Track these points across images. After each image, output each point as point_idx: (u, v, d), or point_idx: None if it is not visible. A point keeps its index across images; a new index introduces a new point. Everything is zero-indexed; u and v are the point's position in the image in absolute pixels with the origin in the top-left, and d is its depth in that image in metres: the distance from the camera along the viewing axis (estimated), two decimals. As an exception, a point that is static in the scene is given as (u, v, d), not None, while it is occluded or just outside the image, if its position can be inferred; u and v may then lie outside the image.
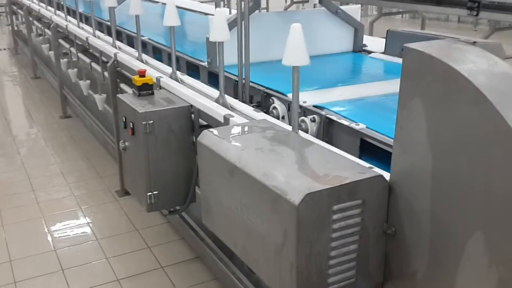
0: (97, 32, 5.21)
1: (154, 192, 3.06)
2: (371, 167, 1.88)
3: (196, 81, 3.51)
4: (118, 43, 4.64)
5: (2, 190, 4.82)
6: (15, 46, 10.98)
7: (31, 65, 8.99)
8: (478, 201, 1.41)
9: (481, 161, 1.37)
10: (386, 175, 1.74)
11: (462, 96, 1.39)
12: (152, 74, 3.57)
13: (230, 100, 2.96)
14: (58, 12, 6.82)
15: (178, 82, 3.41)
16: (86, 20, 6.03)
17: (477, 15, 2.30)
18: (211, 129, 2.15)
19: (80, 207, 4.49)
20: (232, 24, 3.79)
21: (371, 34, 9.31)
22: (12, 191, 4.80)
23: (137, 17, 3.86)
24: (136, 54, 4.09)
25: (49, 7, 7.21)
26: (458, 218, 1.48)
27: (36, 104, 7.67)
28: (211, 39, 2.82)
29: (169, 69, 3.67)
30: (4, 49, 11.82)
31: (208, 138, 2.08)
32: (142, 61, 3.99)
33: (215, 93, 3.07)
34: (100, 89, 5.25)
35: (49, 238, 4.00)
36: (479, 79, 1.36)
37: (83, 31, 5.43)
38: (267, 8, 12.11)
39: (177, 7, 6.62)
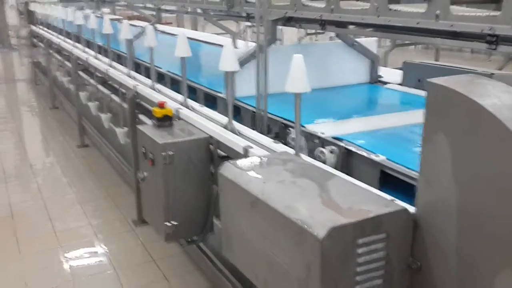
0: (116, 64, 5.32)
1: (173, 222, 3.07)
2: (393, 200, 1.87)
3: (214, 112, 3.51)
4: (158, 86, 4.44)
5: (20, 220, 4.86)
6: (35, 77, 11.21)
7: (50, 96, 9.15)
8: (506, 236, 1.40)
9: (508, 196, 1.37)
10: (409, 208, 1.74)
11: (488, 130, 1.39)
12: (171, 105, 3.62)
13: (248, 131, 2.99)
14: (77, 44, 6.96)
15: (236, 134, 3.04)
16: (106, 51, 6.15)
17: (495, 49, 2.31)
18: (232, 161, 2.17)
19: (97, 237, 4.50)
20: (249, 57, 3.87)
21: (385, 65, 9.36)
22: (30, 221, 4.83)
23: (182, 59, 3.58)
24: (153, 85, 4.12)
25: (73, 42, 7.35)
26: (485, 254, 1.46)
27: (54, 133, 7.78)
28: (287, 90, 2.42)
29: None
30: (27, 80, 12.07)
31: (230, 170, 2.10)
32: (187, 107, 3.70)
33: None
34: (106, 110, 5.26)
35: (67, 268, 4.01)
36: (504, 114, 1.37)
37: (104, 64, 5.53)
38: (281, 41, 12.28)
39: (193, 39, 6.78)
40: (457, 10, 2.58)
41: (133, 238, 4.44)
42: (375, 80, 4.42)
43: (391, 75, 4.51)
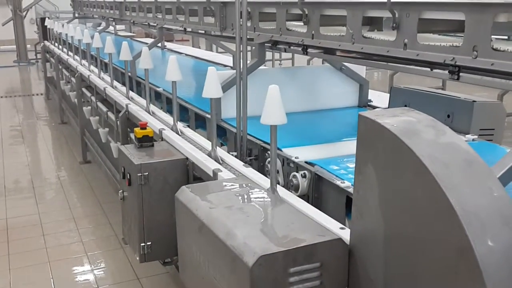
0: (115, 83, 5.43)
1: (148, 243, 3.11)
2: (342, 228, 1.88)
3: (197, 134, 3.58)
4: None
5: (14, 234, 4.94)
6: (47, 91, 11.45)
7: (59, 111, 9.34)
8: (425, 268, 1.40)
9: (425, 230, 1.38)
10: (346, 237, 1.74)
11: (407, 165, 1.41)
12: (155, 125, 3.69)
13: (221, 153, 3.03)
14: (83, 62, 7.11)
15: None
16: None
17: (458, 78, 2.33)
18: (188, 186, 2.21)
19: (86, 254, 4.55)
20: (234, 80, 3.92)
21: (391, 86, 9.34)
22: (23, 236, 4.92)
23: (173, 83, 3.57)
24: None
25: (76, 57, 7.52)
26: (407, 282, 1.47)
27: (59, 149, 7.92)
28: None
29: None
30: (40, 94, 12.32)
31: (185, 194, 2.14)
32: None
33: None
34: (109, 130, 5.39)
35: (52, 284, 4.07)
36: (422, 150, 1.39)
37: (103, 82, 5.65)
38: (292, 61, 12.34)
39: (194, 57, 6.86)
40: (426, 38, 2.60)
41: (121, 256, 4.48)
42: (364, 104, 4.44)
43: (381, 99, 4.52)
